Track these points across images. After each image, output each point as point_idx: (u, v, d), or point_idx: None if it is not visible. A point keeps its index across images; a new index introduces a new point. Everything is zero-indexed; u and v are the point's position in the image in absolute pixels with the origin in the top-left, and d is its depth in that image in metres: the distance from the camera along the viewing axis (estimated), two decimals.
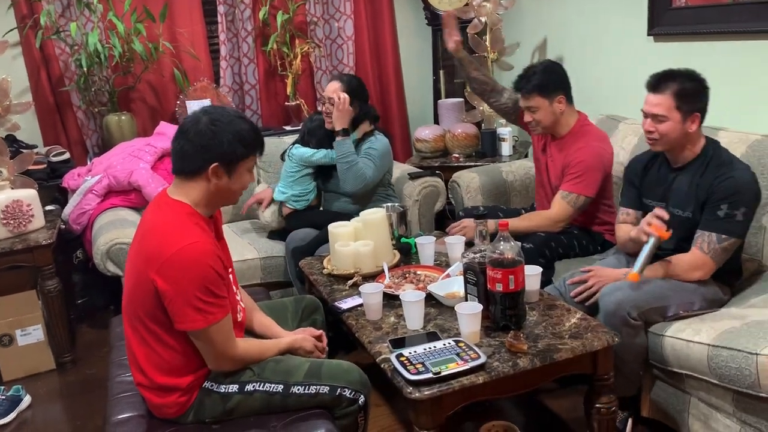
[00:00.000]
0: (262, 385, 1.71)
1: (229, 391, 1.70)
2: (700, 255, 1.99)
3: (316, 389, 1.73)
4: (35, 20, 3.33)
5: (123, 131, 3.53)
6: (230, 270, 1.78)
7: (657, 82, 2.05)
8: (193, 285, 1.55)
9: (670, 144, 2.05)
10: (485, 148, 3.66)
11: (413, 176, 3.25)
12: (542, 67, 2.55)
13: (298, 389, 1.72)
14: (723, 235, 1.95)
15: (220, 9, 3.76)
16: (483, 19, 3.52)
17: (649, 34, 3.02)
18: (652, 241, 1.96)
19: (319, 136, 2.98)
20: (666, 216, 1.97)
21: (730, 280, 2.12)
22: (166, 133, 3.36)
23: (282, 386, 1.72)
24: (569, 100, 2.58)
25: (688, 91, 2.01)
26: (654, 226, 1.95)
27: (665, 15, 2.94)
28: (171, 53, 3.65)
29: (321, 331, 1.99)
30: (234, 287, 1.79)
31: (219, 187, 1.64)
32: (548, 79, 2.51)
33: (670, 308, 1.98)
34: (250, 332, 1.94)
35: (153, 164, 3.17)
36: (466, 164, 3.55)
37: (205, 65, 3.82)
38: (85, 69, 3.35)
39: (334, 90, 2.87)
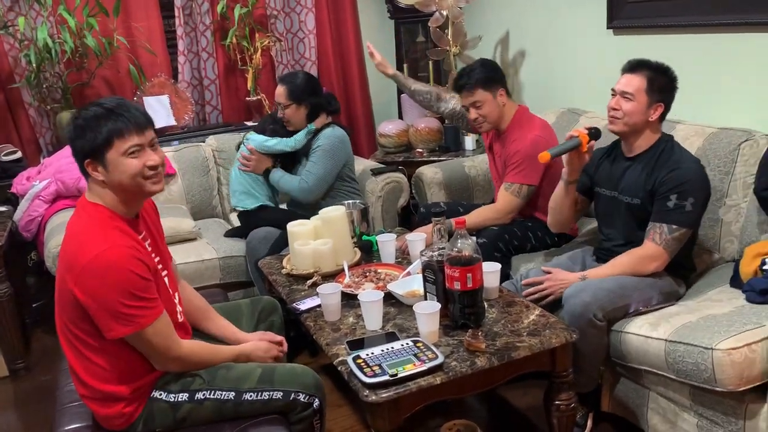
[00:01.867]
0: (212, 392, 1.66)
1: (179, 399, 1.65)
2: (653, 246, 2.01)
3: (269, 395, 1.69)
4: None
5: None
6: (165, 273, 1.71)
7: (634, 65, 2.11)
8: (115, 292, 1.47)
9: (629, 126, 2.07)
10: (448, 142, 3.65)
11: (376, 172, 3.22)
12: (480, 63, 2.60)
13: (251, 396, 1.68)
14: (674, 225, 1.98)
15: (177, 2, 3.66)
16: (444, 13, 3.49)
17: (608, 27, 3.03)
18: (574, 140, 2.06)
19: (278, 129, 2.95)
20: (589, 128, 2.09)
21: (683, 273, 2.15)
22: None
23: (233, 393, 1.67)
24: (508, 93, 2.62)
25: (660, 81, 2.06)
26: (578, 130, 2.08)
27: (624, 8, 2.94)
28: (126, 48, 3.55)
29: (281, 338, 1.94)
30: (170, 289, 1.73)
31: (109, 183, 1.54)
32: (488, 73, 2.56)
33: (632, 305, 1.99)
34: (207, 336, 1.88)
35: None
36: (430, 159, 3.54)
37: (162, 60, 3.73)
38: (35, 65, 3.23)
39: (279, 95, 2.88)
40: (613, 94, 2.10)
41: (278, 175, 2.91)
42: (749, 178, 2.22)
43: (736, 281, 2.01)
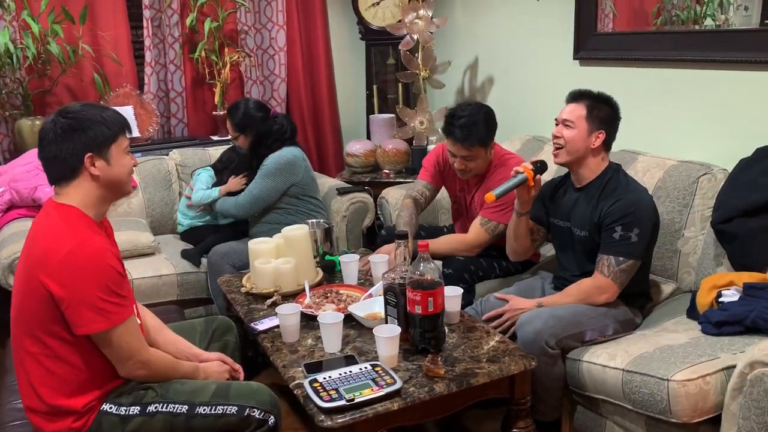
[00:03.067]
0: (165, 405, 1.63)
1: (130, 413, 1.60)
2: (602, 278, 2.03)
3: (223, 409, 1.65)
4: None
5: (36, 137, 3.32)
6: None
7: (576, 95, 2.16)
8: (92, 285, 1.47)
9: (572, 154, 2.10)
10: (415, 164, 3.64)
11: (341, 191, 3.20)
12: (483, 118, 2.44)
13: (204, 410, 1.64)
14: (620, 257, 2.00)
15: (146, 14, 3.62)
16: (415, 37, 3.51)
17: (574, 58, 3.08)
18: (519, 177, 2.08)
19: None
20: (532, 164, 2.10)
21: (639, 302, 2.17)
22: None
23: (187, 407, 1.64)
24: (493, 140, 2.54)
25: (600, 110, 2.10)
26: (524, 166, 2.09)
27: (590, 40, 3.00)
28: (91, 57, 3.48)
29: (239, 367, 1.91)
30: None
31: (103, 179, 1.57)
32: (490, 131, 2.46)
33: (586, 333, 2.00)
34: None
35: None
36: (396, 180, 3.53)
37: (128, 71, 3.67)
38: None
39: (227, 127, 2.98)
40: (556, 124, 2.14)
41: (218, 202, 3.02)
42: (707, 210, 2.27)
43: (692, 312, 2.04)
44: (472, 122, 2.41)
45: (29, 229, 1.61)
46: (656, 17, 2.75)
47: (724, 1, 2.51)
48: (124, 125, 1.62)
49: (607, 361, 1.85)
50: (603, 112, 2.10)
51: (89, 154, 1.55)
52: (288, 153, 2.87)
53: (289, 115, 3.07)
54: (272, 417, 1.70)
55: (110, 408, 1.60)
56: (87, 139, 1.54)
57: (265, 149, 2.88)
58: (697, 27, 2.57)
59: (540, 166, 2.11)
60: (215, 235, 3.02)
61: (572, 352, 1.99)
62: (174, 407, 1.63)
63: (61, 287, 1.46)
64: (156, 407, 1.62)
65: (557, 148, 2.12)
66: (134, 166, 1.67)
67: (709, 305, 1.95)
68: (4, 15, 3.25)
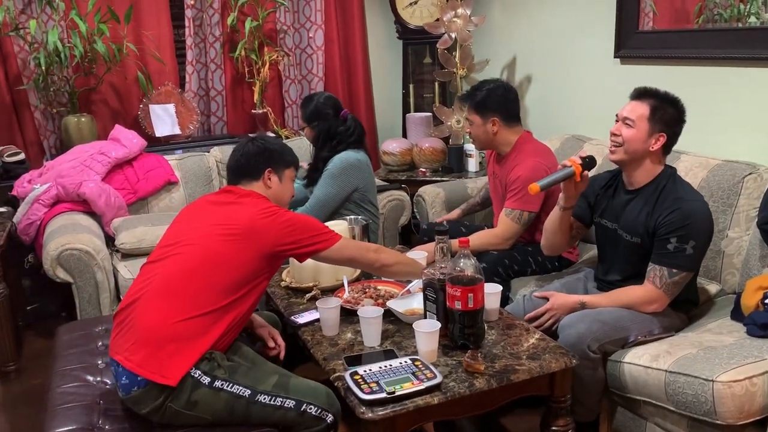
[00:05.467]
0: (230, 385, 1.67)
1: (201, 380, 1.65)
2: (653, 289, 1.98)
3: (282, 401, 1.69)
4: None
5: (82, 133, 3.43)
6: None
7: (641, 92, 2.07)
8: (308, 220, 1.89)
9: (629, 154, 2.03)
10: (452, 163, 3.65)
11: (378, 189, 3.20)
12: (488, 87, 2.58)
13: (265, 398, 1.69)
14: (674, 269, 1.94)
15: (188, 13, 3.69)
16: (453, 35, 3.52)
17: (615, 56, 3.05)
18: (566, 170, 2.04)
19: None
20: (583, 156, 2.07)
21: (686, 308, 2.12)
22: (120, 139, 3.26)
23: (249, 392, 1.68)
24: (507, 121, 2.58)
25: (665, 111, 2.01)
26: (572, 160, 2.05)
27: (632, 38, 2.97)
28: (135, 56, 3.57)
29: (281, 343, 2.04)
30: None
31: (273, 191, 1.95)
32: (487, 100, 2.55)
33: (630, 337, 1.97)
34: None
35: (105, 175, 3.07)
36: (433, 179, 3.54)
37: (170, 69, 3.75)
38: (43, 68, 3.24)
39: (300, 116, 3.02)
40: (616, 120, 2.08)
41: None
42: (752, 211, 2.22)
43: (737, 314, 2.00)
44: (478, 87, 2.59)
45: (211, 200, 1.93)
46: (698, 16, 2.70)
47: None
48: (296, 160, 2.06)
49: (649, 362, 1.83)
50: (667, 114, 2.01)
51: (269, 169, 1.95)
52: (352, 156, 2.84)
53: (357, 118, 3.06)
54: (330, 415, 1.73)
55: (192, 371, 1.64)
56: (271, 157, 1.97)
57: (330, 149, 2.86)
58: (740, 25, 2.52)
59: (589, 162, 2.05)
60: None
61: (614, 354, 1.96)
62: (238, 389, 1.67)
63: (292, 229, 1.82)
64: (222, 384, 1.66)
65: (615, 146, 2.05)
66: (292, 197, 2.05)
67: (754, 307, 1.91)
68: (53, 15, 3.35)
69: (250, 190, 1.92)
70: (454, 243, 1.99)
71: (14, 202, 3.19)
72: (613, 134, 2.06)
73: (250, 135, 2.03)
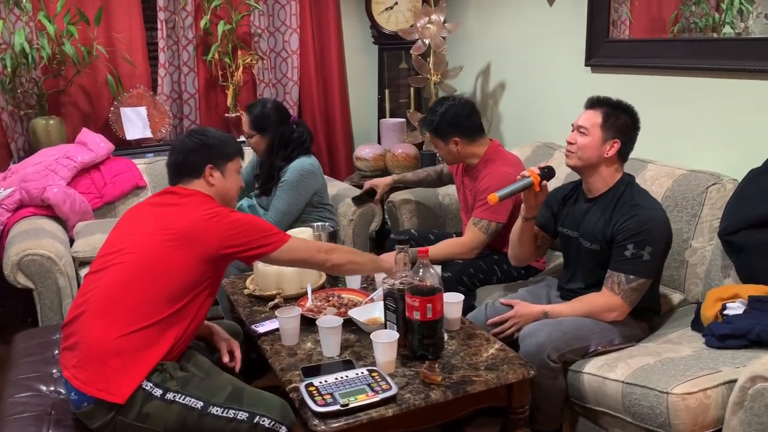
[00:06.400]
0: (183, 397, 1.64)
1: (153, 393, 1.62)
2: (612, 296, 1.98)
3: (234, 413, 1.66)
4: None
5: (51, 136, 3.38)
6: None
7: (594, 101, 2.11)
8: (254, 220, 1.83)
9: (584, 161, 2.05)
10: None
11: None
12: (442, 110, 2.58)
13: (217, 410, 1.65)
14: (631, 275, 1.95)
15: (161, 15, 3.65)
16: (427, 41, 3.51)
17: (586, 65, 3.06)
18: (525, 181, 2.05)
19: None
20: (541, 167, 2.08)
21: (646, 316, 2.12)
22: (87, 143, 3.22)
23: (202, 404, 1.65)
24: (468, 137, 2.58)
25: (618, 118, 2.04)
26: (531, 170, 2.06)
27: (602, 47, 2.98)
28: (105, 58, 3.52)
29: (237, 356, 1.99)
30: None
31: (217, 187, 1.86)
32: (441, 124, 2.56)
33: (590, 347, 1.97)
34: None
35: (70, 180, 3.02)
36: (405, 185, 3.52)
37: (142, 72, 3.71)
38: (10, 69, 3.19)
39: (244, 123, 2.90)
40: (572, 129, 2.10)
41: None
42: (715, 221, 2.23)
43: (696, 324, 2.00)
44: (431, 114, 2.61)
45: (148, 205, 1.85)
46: (673, 24, 2.71)
47: (744, 8, 2.47)
48: (240, 150, 1.96)
49: (607, 372, 1.83)
50: (620, 121, 2.03)
51: (210, 165, 1.84)
52: (306, 162, 2.85)
53: (304, 123, 3.05)
54: (283, 427, 1.69)
55: (144, 384, 1.62)
56: (210, 152, 1.86)
57: (284, 158, 2.85)
58: (714, 35, 2.53)
59: (547, 172, 2.07)
60: None
61: (574, 364, 1.96)
62: (191, 401, 1.65)
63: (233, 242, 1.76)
64: (174, 396, 1.64)
65: (569, 152, 2.07)
66: (241, 188, 1.96)
67: (713, 318, 1.92)
68: (21, 16, 3.30)
69: (193, 189, 1.84)
70: (414, 251, 1.98)
71: None
72: (568, 142, 2.08)
73: (190, 130, 1.92)
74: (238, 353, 1.98)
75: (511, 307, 2.14)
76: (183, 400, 1.64)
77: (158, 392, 1.62)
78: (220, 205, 1.81)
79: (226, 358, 1.95)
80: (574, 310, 2.04)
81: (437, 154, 3.59)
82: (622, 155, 2.06)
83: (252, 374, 2.34)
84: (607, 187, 2.07)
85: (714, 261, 2.21)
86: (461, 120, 2.58)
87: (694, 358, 1.79)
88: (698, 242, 2.27)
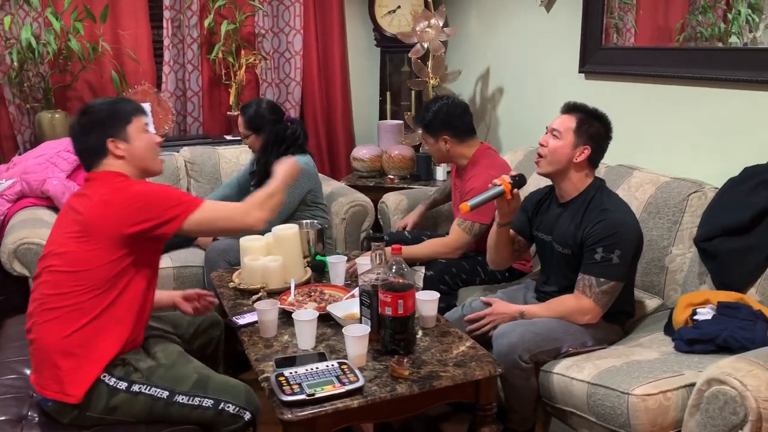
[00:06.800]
0: (148, 388, 1.70)
1: (118, 386, 1.68)
2: (583, 298, 2.00)
3: (199, 401, 1.71)
4: None
5: (56, 129, 3.47)
6: None
7: (570, 107, 2.14)
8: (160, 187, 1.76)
9: (554, 165, 2.08)
10: (420, 171, 3.69)
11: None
12: (435, 107, 2.65)
13: (182, 399, 1.71)
14: (601, 278, 1.97)
15: (166, 14, 3.73)
16: (425, 45, 3.55)
17: (580, 71, 3.09)
18: (496, 189, 2.07)
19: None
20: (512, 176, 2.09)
21: (620, 320, 2.15)
22: None
23: (167, 393, 1.70)
24: (458, 137, 2.63)
25: (591, 126, 2.07)
26: (502, 178, 2.07)
27: (596, 54, 3.01)
28: (110, 54, 3.61)
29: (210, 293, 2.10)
30: None
31: (129, 157, 1.77)
32: (433, 121, 2.63)
33: (562, 348, 2.00)
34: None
35: (70, 173, 3.09)
36: (401, 186, 3.57)
37: (147, 69, 3.78)
38: (16, 64, 3.28)
39: (239, 124, 2.98)
40: (546, 132, 2.14)
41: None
42: (695, 229, 2.25)
43: (668, 329, 2.03)
44: (424, 110, 2.67)
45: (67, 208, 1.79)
46: (679, 33, 2.71)
47: (750, 18, 2.47)
48: (136, 108, 1.82)
49: (575, 373, 1.86)
50: (593, 129, 2.07)
51: (110, 139, 1.75)
52: (301, 160, 2.84)
53: (301, 121, 3.11)
54: (248, 413, 1.75)
55: (104, 376, 1.68)
56: (104, 126, 1.75)
57: (279, 155, 2.82)
58: (720, 44, 2.53)
59: (518, 180, 2.09)
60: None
61: (545, 365, 1.99)
62: (156, 391, 1.70)
63: (141, 202, 1.69)
64: (140, 388, 1.69)
65: (539, 157, 2.11)
66: (158, 143, 1.85)
67: (683, 323, 1.94)
68: (30, 12, 3.39)
69: (102, 172, 1.76)
70: (388, 250, 2.02)
71: None
72: (540, 144, 2.12)
73: (78, 111, 1.82)
74: (203, 295, 2.07)
75: (490, 305, 2.17)
76: (148, 390, 1.69)
77: (123, 385, 1.68)
78: (123, 181, 1.72)
79: (189, 309, 2.03)
80: (549, 312, 2.07)
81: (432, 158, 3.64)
82: (592, 161, 2.09)
83: (239, 367, 2.40)
84: (578, 192, 2.10)
85: (692, 268, 2.23)
86: (453, 119, 2.63)
87: (660, 361, 1.82)
88: (678, 249, 2.29)
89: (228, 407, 1.73)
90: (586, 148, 2.06)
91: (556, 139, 2.08)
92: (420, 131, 2.68)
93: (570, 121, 2.07)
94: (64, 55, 3.45)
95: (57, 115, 3.49)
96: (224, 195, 3.15)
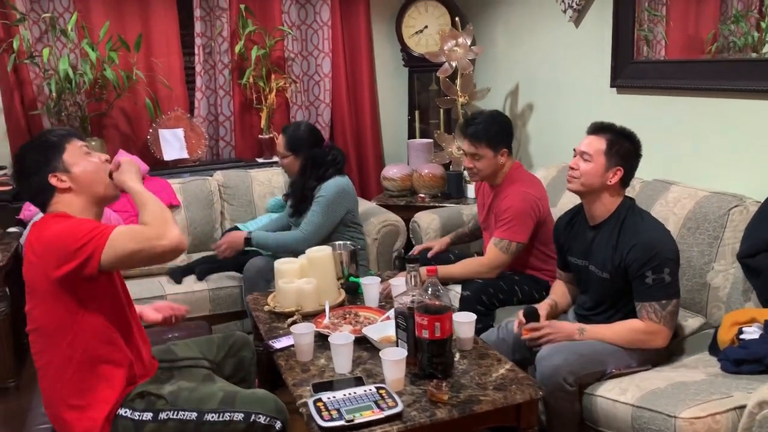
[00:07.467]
0: (175, 413, 1.70)
1: (143, 418, 1.68)
2: (653, 325, 1.94)
3: (230, 416, 1.71)
4: (9, 44, 3.37)
5: None
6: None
7: (597, 127, 2.10)
8: (78, 222, 1.59)
9: (586, 187, 2.05)
10: (450, 189, 3.68)
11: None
12: (493, 118, 2.60)
13: (212, 417, 1.70)
14: (663, 301, 1.93)
15: (198, 41, 3.80)
16: (453, 64, 3.56)
17: (611, 86, 3.05)
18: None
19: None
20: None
21: None
22: None
23: (196, 414, 1.70)
24: (511, 152, 2.62)
25: (621, 146, 2.03)
26: (519, 321, 2.10)
27: (627, 68, 2.97)
28: (144, 82, 3.68)
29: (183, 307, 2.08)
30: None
31: (75, 186, 1.67)
32: (499, 131, 2.57)
33: (607, 370, 1.96)
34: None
35: None
36: (431, 205, 3.56)
37: (180, 95, 3.85)
38: (54, 94, 3.37)
39: (279, 144, 2.96)
40: (574, 154, 2.10)
41: (262, 236, 2.91)
42: (738, 244, 2.20)
43: (714, 349, 1.97)
44: (484, 122, 2.56)
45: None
46: (711, 44, 2.66)
47: None
48: (66, 134, 1.71)
49: (618, 395, 1.82)
50: (623, 149, 2.03)
51: (51, 174, 1.66)
52: (341, 182, 2.92)
53: (337, 147, 3.17)
54: (278, 422, 1.73)
55: (125, 412, 1.68)
56: (42, 161, 1.66)
57: (317, 178, 2.91)
58: (754, 54, 2.49)
59: (531, 314, 2.12)
60: (212, 263, 3.11)
61: (588, 387, 1.95)
62: (184, 414, 1.69)
63: (55, 238, 1.54)
64: (167, 414, 1.69)
65: (572, 178, 2.08)
66: (106, 161, 1.73)
67: (729, 342, 1.89)
68: (67, 44, 3.49)
69: (45, 215, 1.68)
70: (423, 271, 2.00)
71: (26, 223, 3.30)
72: (571, 168, 2.08)
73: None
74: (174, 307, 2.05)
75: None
76: (176, 415, 1.69)
77: (149, 416, 1.68)
78: (43, 226, 1.60)
79: (157, 317, 1.99)
80: (614, 336, 1.99)
81: (463, 173, 3.62)
82: (624, 182, 2.05)
83: (276, 385, 2.40)
84: (609, 213, 2.06)
85: (736, 284, 2.17)
86: (511, 131, 2.63)
87: (706, 382, 1.77)
88: (720, 265, 2.24)
89: (259, 418, 1.71)
90: (619, 169, 2.02)
91: (587, 163, 2.04)
92: (469, 144, 2.58)
93: (599, 143, 2.03)
94: (100, 84, 3.54)
95: (93, 143, 3.55)
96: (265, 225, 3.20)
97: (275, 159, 3.74)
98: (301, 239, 2.83)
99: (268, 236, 2.91)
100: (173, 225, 1.59)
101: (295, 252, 2.70)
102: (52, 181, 1.65)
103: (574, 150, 2.11)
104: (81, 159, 1.68)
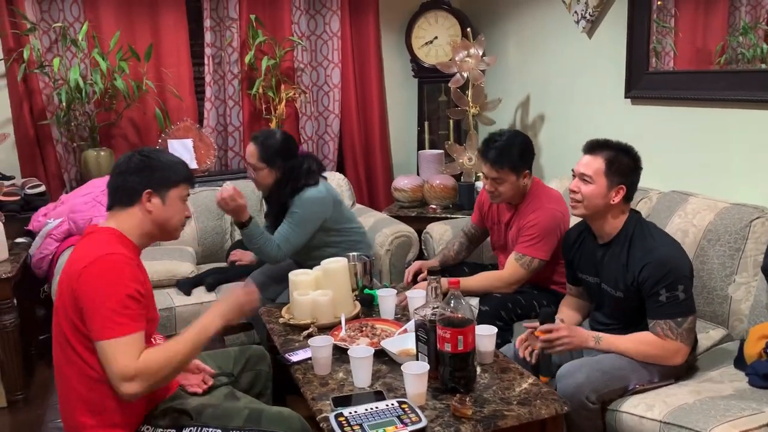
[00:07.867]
0: (200, 429, 1.66)
1: None
2: (669, 342, 1.90)
3: None
4: (20, 53, 3.36)
5: (101, 167, 3.52)
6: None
7: (593, 146, 2.06)
8: (107, 293, 1.52)
9: (591, 210, 2.01)
10: (462, 200, 3.65)
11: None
12: (517, 141, 2.52)
13: None
14: (678, 318, 1.89)
15: (208, 51, 3.79)
16: (465, 74, 3.54)
17: (626, 97, 3.04)
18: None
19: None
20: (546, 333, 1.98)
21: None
22: None
23: (221, 431, 1.67)
24: (531, 172, 2.57)
25: (621, 163, 2.00)
26: (538, 333, 2.00)
27: (642, 79, 2.95)
28: (154, 92, 3.67)
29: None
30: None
31: (155, 216, 1.70)
32: (522, 156, 2.50)
33: (630, 386, 1.93)
34: None
35: None
36: (442, 216, 3.53)
37: (189, 105, 3.84)
38: (64, 103, 3.35)
39: (250, 155, 2.69)
40: (573, 176, 2.05)
41: (258, 230, 2.64)
42: (760, 256, 2.17)
43: (740, 362, 1.94)
44: (506, 145, 2.48)
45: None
46: (720, 55, 2.66)
47: None
48: (188, 177, 1.78)
49: (644, 411, 1.78)
50: (623, 165, 1.99)
51: (148, 190, 1.69)
52: (314, 193, 2.69)
53: (312, 154, 2.98)
54: None
55: (147, 429, 1.66)
56: (152, 177, 1.70)
57: (293, 192, 2.69)
58: (762, 65, 2.47)
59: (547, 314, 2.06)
60: (221, 273, 3.08)
61: (612, 403, 1.91)
62: (208, 431, 1.67)
63: (83, 293, 1.53)
64: (191, 431, 1.66)
65: (575, 202, 2.04)
66: (188, 217, 1.81)
67: (757, 356, 1.85)
68: (77, 53, 3.48)
69: (107, 227, 1.68)
70: (445, 282, 1.97)
71: (34, 234, 3.27)
72: (572, 191, 2.04)
73: (138, 149, 1.78)
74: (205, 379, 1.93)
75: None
76: (201, 431, 1.66)
77: None
78: (102, 254, 1.56)
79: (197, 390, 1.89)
80: (633, 347, 1.94)
81: (475, 185, 3.60)
82: (628, 198, 2.02)
83: (284, 397, 2.35)
84: (617, 230, 2.03)
85: (759, 297, 2.15)
86: (531, 151, 2.58)
87: (736, 397, 1.74)
88: (742, 277, 2.21)
89: None
90: (621, 187, 1.99)
91: (588, 184, 2.00)
92: (490, 169, 2.49)
93: (598, 163, 1.99)
94: (110, 93, 3.52)
95: (102, 153, 3.54)
96: None
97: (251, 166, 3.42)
98: (281, 256, 2.67)
99: (261, 232, 2.65)
100: (146, 381, 1.53)
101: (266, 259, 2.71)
102: (144, 196, 1.69)
103: (573, 171, 2.06)
104: (179, 202, 1.75)
